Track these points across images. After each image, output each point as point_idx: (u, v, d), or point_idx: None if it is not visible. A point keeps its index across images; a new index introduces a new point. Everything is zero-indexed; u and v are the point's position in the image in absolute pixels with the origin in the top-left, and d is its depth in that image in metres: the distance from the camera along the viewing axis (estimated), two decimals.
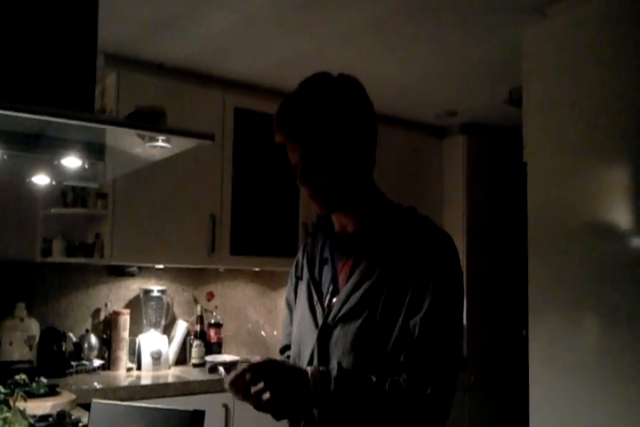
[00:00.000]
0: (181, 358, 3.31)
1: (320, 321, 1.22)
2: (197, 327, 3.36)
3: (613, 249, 2.23)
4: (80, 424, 1.82)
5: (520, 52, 2.58)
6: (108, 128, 1.40)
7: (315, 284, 1.28)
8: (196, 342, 3.29)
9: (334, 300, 1.22)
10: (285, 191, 3.43)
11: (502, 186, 4.18)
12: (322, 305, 1.24)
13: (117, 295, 3.25)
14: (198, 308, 3.40)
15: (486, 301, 4.07)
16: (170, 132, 1.42)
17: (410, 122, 4.09)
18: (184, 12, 2.58)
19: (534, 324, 2.47)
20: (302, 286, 1.32)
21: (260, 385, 1.03)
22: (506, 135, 4.01)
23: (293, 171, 1.23)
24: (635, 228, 2.20)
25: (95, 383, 2.68)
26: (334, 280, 1.25)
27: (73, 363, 2.90)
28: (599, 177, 2.32)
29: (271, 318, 3.74)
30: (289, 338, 1.37)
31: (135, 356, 3.10)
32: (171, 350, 3.21)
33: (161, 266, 3.31)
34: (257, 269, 3.63)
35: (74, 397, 2.25)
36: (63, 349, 2.90)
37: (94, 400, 1.42)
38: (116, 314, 3.08)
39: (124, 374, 3.02)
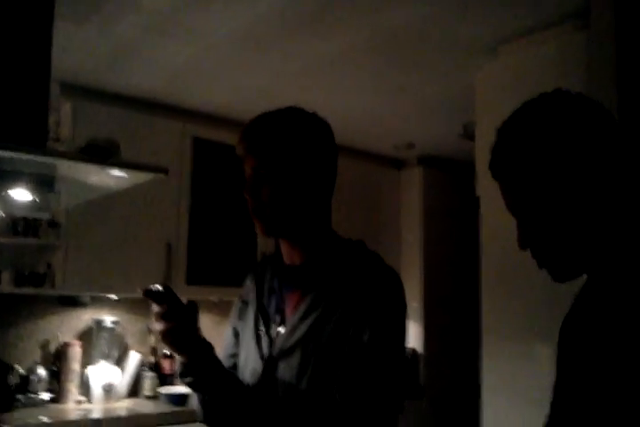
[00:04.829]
0: (134, 391, 3.23)
1: (266, 352, 1.23)
2: (151, 358, 3.29)
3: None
4: None
5: (473, 89, 2.66)
6: (59, 162, 1.38)
7: (262, 312, 1.30)
8: (149, 374, 3.22)
9: (281, 330, 1.23)
10: (243, 220, 3.40)
11: (458, 217, 4.26)
12: (268, 335, 1.25)
13: (69, 326, 3.17)
14: (152, 338, 3.34)
15: (444, 330, 4.10)
16: (122, 166, 1.41)
17: (369, 153, 4.15)
18: (143, 43, 2.58)
19: (488, 354, 2.50)
20: (249, 313, 1.33)
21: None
22: (461, 167, 4.09)
23: (244, 184, 1.25)
24: None
25: (42, 417, 2.60)
26: (281, 311, 1.27)
27: (19, 396, 2.81)
28: None
29: None
30: (229, 360, 1.34)
31: (86, 388, 3.02)
32: (123, 382, 3.14)
33: (114, 296, 3.25)
34: (214, 300, 3.59)
35: None
36: (9, 381, 2.81)
37: None
38: (67, 345, 3.01)
39: (73, 407, 2.93)
